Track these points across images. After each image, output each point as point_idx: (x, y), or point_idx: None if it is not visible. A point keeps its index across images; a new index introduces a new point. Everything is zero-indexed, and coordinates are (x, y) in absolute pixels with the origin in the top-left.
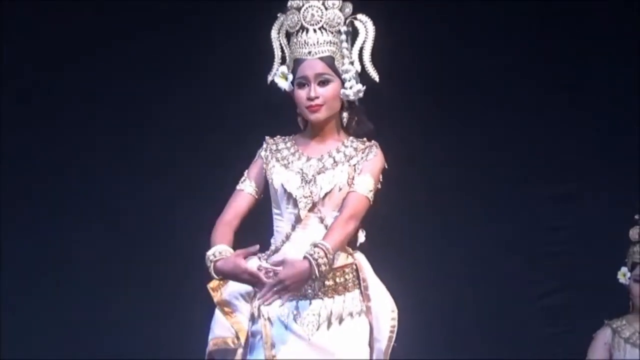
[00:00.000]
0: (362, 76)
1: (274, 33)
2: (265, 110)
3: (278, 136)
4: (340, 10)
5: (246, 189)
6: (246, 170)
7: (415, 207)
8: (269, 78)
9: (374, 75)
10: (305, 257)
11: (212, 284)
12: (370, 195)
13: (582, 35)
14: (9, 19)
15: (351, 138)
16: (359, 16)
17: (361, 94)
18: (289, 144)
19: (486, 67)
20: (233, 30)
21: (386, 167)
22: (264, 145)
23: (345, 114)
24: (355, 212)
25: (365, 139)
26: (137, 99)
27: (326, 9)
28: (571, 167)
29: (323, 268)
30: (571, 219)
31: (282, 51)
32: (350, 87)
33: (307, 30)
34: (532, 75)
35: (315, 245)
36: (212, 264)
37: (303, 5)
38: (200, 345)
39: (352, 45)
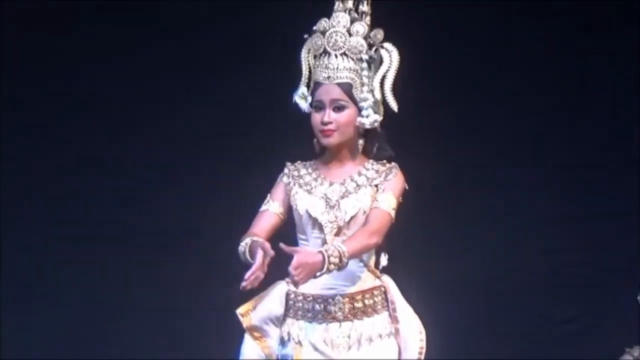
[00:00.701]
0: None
1: (303, 53)
2: (288, 124)
3: (298, 162)
4: (366, 37)
5: (271, 208)
6: (269, 194)
7: (434, 227)
8: (294, 97)
9: (394, 106)
10: (319, 252)
11: (241, 310)
12: (393, 212)
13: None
14: (8, 19)
15: (371, 161)
16: (386, 45)
17: (377, 124)
18: (309, 169)
19: (509, 81)
20: (263, 37)
21: (406, 187)
22: (285, 171)
23: (361, 141)
24: (379, 227)
25: (385, 161)
26: (147, 101)
27: (350, 35)
28: (590, 187)
29: (332, 267)
30: (588, 241)
31: (310, 71)
32: (367, 116)
33: (330, 55)
34: (556, 92)
35: (332, 245)
36: (247, 248)
37: (328, 29)
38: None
39: (375, 73)
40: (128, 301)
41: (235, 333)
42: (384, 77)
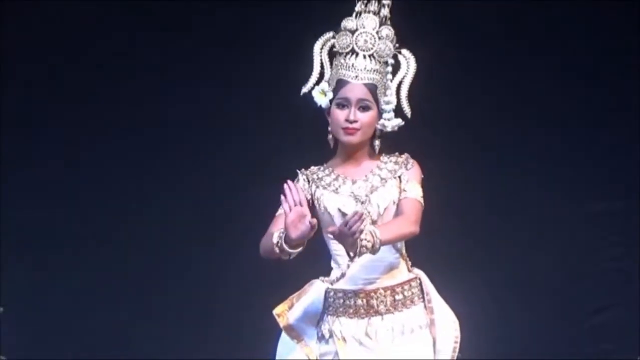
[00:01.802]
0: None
1: (316, 48)
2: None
3: (312, 167)
4: (392, 41)
5: None
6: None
7: (463, 221)
8: (303, 90)
9: (407, 111)
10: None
11: (278, 310)
12: (422, 200)
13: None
14: (8, 19)
15: (384, 155)
16: (403, 51)
17: (396, 128)
18: (327, 171)
19: (535, 80)
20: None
21: (422, 176)
22: (302, 177)
23: (377, 142)
24: (417, 217)
25: (397, 153)
26: (151, 98)
27: (379, 38)
28: (624, 182)
29: (364, 250)
30: (624, 235)
31: (321, 67)
32: (389, 119)
33: (357, 55)
34: (578, 92)
35: (369, 231)
36: (281, 240)
37: (357, 29)
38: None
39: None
40: (129, 302)
41: (268, 333)
42: (400, 83)
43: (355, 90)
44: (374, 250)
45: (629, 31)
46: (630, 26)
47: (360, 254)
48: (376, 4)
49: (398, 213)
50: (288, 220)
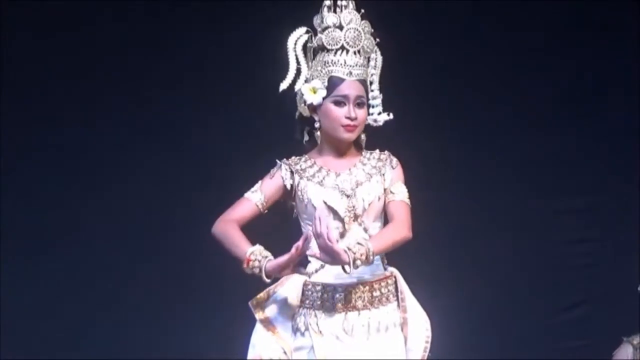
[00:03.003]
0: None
1: (290, 44)
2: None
3: (293, 157)
4: (372, 36)
5: (255, 199)
6: (259, 182)
7: (434, 219)
8: (282, 86)
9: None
10: (345, 252)
11: (254, 301)
12: (409, 201)
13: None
14: (8, 19)
15: (365, 150)
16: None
17: (382, 122)
18: (308, 163)
19: (504, 81)
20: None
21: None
22: (282, 167)
23: (363, 136)
24: (409, 221)
25: (377, 150)
26: (145, 99)
27: (364, 33)
28: (593, 179)
29: (359, 262)
30: (593, 232)
31: (298, 63)
32: (379, 113)
33: (347, 51)
34: (548, 91)
35: (359, 243)
36: (263, 269)
37: (344, 26)
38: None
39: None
40: (129, 302)
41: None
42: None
43: (352, 87)
44: (368, 262)
45: (580, 29)
46: (581, 25)
47: (356, 267)
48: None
49: (388, 217)
50: (287, 265)
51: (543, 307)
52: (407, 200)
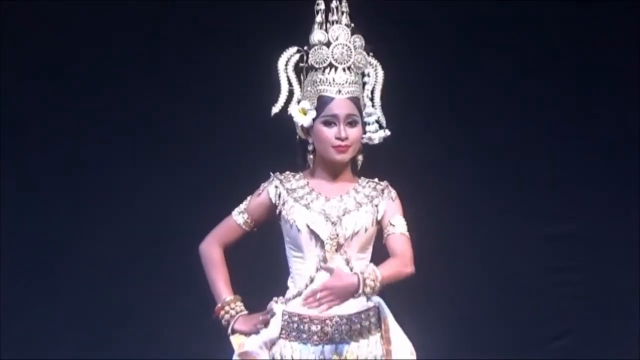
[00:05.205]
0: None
1: (281, 65)
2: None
3: (287, 172)
4: (365, 50)
5: (239, 220)
6: (247, 199)
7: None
8: (274, 110)
9: (383, 121)
10: (355, 273)
11: (237, 339)
12: (408, 234)
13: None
14: (8, 19)
15: (362, 178)
16: (370, 59)
17: (382, 140)
18: (301, 182)
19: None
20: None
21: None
22: (274, 182)
23: (360, 157)
24: (412, 255)
25: (376, 179)
26: (142, 96)
27: (355, 48)
28: (575, 206)
29: (368, 290)
30: (576, 260)
31: (290, 84)
32: (375, 132)
33: (336, 69)
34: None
35: (368, 267)
36: (230, 325)
37: (331, 42)
38: None
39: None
40: (130, 302)
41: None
42: (372, 92)
43: (342, 106)
44: (374, 292)
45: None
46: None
47: (365, 294)
48: (338, 14)
49: (389, 250)
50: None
51: (529, 337)
52: (407, 233)
